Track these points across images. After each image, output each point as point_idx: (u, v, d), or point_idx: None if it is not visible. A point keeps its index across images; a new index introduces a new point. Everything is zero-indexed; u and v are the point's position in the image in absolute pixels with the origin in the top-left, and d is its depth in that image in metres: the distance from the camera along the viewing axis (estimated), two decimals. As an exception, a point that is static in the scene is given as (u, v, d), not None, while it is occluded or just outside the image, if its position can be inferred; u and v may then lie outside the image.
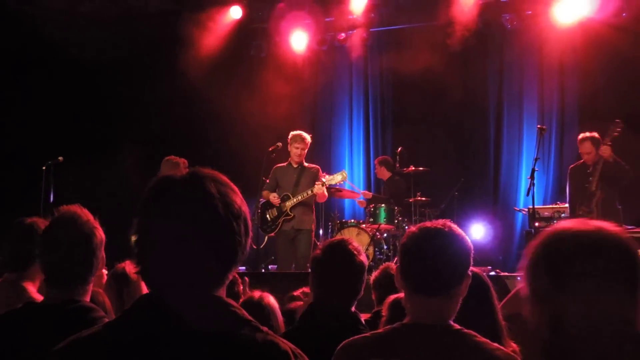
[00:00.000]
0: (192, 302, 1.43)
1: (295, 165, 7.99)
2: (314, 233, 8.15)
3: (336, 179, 8.00)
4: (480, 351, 1.96)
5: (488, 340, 2.01)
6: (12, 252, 3.27)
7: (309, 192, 7.81)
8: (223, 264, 1.49)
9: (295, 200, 7.84)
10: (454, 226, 2.15)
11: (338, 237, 8.66)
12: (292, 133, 8.02)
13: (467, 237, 2.15)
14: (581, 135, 7.87)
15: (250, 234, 1.54)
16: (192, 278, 1.44)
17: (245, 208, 1.52)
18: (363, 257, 2.97)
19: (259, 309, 3.15)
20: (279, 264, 8.11)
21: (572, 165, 8.12)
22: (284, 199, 7.90)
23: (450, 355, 1.96)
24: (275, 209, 7.96)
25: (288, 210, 7.86)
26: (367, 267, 3.03)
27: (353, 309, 2.95)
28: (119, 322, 1.50)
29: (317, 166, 8.17)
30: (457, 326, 2.04)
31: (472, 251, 2.15)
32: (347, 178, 8.18)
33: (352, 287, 2.94)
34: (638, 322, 1.45)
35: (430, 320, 2.04)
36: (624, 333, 1.43)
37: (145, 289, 3.19)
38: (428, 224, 2.18)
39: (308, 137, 7.97)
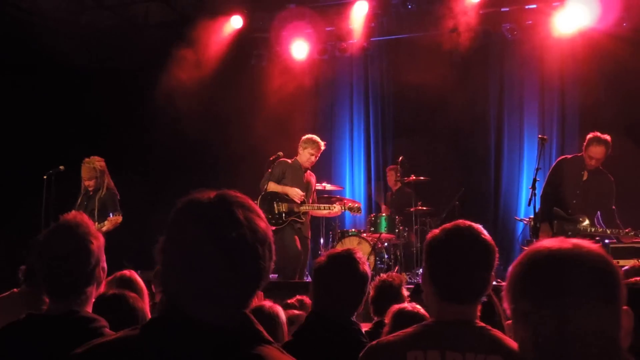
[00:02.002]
0: (216, 319, 1.46)
1: (303, 168, 7.98)
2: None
3: (354, 209, 8.26)
4: (506, 347, 2.02)
5: (512, 340, 2.05)
6: (30, 269, 3.22)
7: (329, 208, 7.99)
8: (248, 287, 1.52)
9: (310, 207, 7.88)
10: (479, 228, 2.17)
11: (339, 246, 8.83)
12: (308, 136, 7.97)
13: (490, 237, 2.17)
14: (594, 135, 6.98)
15: (274, 257, 1.57)
16: (218, 299, 1.47)
17: (270, 233, 1.55)
18: (367, 268, 2.97)
19: (269, 319, 3.14)
20: (289, 258, 7.77)
21: (566, 157, 7.52)
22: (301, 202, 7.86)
23: (481, 347, 2.03)
24: (286, 204, 7.79)
25: (301, 214, 7.82)
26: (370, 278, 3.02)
27: (353, 318, 2.94)
28: (142, 331, 1.51)
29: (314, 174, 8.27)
30: (482, 324, 2.11)
31: (496, 253, 2.17)
32: (360, 213, 8.54)
33: (354, 298, 2.93)
34: (619, 338, 1.44)
35: (457, 319, 2.10)
36: (606, 350, 1.42)
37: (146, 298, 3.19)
38: (454, 228, 2.18)
39: (322, 145, 7.99)
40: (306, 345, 2.69)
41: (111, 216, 7.34)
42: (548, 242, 1.52)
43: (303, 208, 7.82)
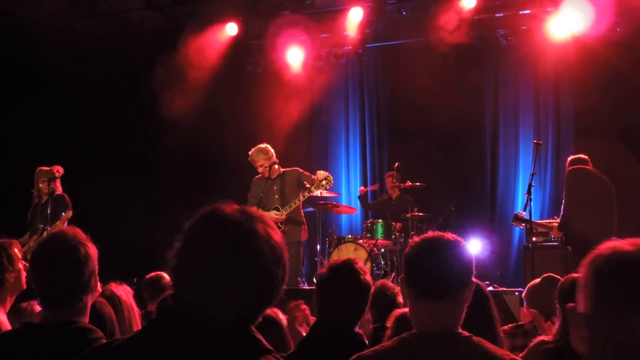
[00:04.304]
0: (223, 334, 1.45)
1: (273, 177, 7.79)
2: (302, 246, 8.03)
3: (320, 182, 7.55)
4: (489, 358, 1.98)
5: (497, 347, 2.04)
6: None
7: (297, 201, 7.64)
8: (259, 304, 1.52)
9: (286, 211, 7.62)
10: (455, 236, 2.17)
11: (335, 253, 8.80)
12: (251, 150, 7.76)
13: (467, 246, 2.18)
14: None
15: (287, 278, 1.56)
16: (228, 309, 1.46)
17: (286, 254, 1.55)
18: (368, 277, 2.97)
19: (274, 325, 3.14)
20: None
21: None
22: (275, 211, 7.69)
23: None
24: None
25: (279, 224, 7.56)
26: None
27: (357, 329, 2.95)
28: (146, 333, 1.51)
29: (295, 168, 7.99)
30: (466, 333, 2.05)
31: (474, 260, 2.17)
32: (332, 183, 7.72)
33: (356, 308, 2.94)
34: None
35: (438, 328, 2.05)
36: None
37: (128, 310, 3.16)
38: (429, 234, 2.20)
39: (268, 147, 7.74)
40: (311, 355, 2.69)
41: (63, 214, 7.31)
42: (621, 243, 1.50)
43: (281, 217, 7.62)
